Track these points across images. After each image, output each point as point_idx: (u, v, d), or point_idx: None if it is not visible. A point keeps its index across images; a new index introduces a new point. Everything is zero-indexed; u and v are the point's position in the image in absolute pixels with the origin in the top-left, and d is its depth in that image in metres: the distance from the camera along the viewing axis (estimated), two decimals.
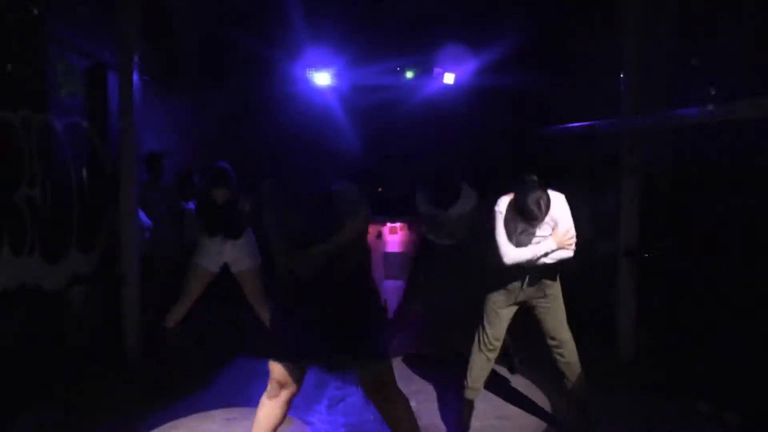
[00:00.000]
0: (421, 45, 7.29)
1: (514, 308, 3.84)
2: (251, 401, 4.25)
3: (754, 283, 4.24)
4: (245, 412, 4.15)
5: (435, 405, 4.44)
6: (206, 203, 4.90)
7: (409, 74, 7.65)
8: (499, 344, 3.86)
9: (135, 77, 5.08)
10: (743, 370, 4.25)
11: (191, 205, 6.09)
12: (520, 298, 3.75)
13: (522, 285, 3.68)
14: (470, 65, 7.38)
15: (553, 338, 3.78)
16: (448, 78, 7.53)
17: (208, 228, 4.84)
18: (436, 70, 7.53)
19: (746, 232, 4.50)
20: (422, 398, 4.55)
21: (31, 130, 4.25)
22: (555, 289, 3.77)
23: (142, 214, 5.45)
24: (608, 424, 4.00)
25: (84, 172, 5.02)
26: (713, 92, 4.87)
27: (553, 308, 3.77)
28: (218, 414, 4.22)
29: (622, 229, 5.20)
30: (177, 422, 4.06)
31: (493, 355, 3.87)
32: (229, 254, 4.81)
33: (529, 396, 4.54)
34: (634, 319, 5.18)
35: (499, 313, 3.80)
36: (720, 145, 4.75)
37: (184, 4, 7.06)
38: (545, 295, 3.74)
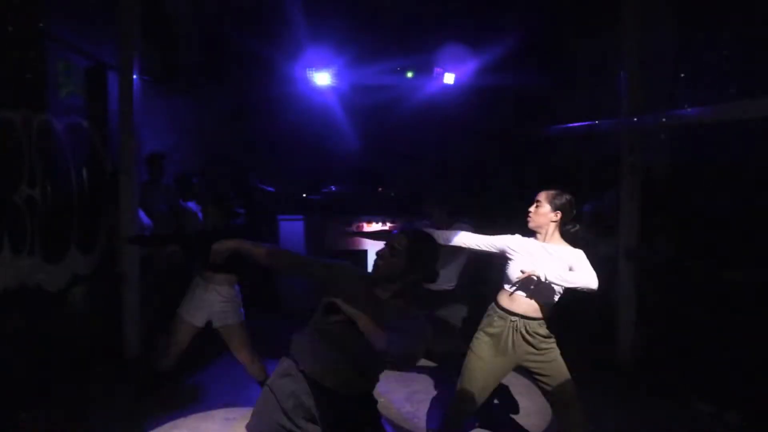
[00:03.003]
0: (421, 45, 7.30)
1: (503, 366, 3.36)
2: (251, 401, 4.24)
3: (754, 282, 4.24)
4: (245, 412, 4.15)
5: (434, 405, 4.44)
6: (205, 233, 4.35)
7: (409, 74, 7.63)
8: (473, 403, 3.35)
9: (135, 77, 5.08)
10: (743, 370, 4.25)
11: (191, 204, 6.09)
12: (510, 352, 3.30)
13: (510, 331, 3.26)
14: (470, 65, 7.39)
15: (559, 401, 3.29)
16: (448, 78, 7.53)
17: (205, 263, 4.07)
18: (436, 70, 7.53)
19: (746, 232, 4.50)
20: (422, 398, 4.55)
21: (31, 129, 4.25)
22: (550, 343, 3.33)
23: (142, 214, 5.45)
24: (609, 424, 4.00)
25: (84, 172, 5.02)
26: (713, 92, 4.87)
27: (554, 366, 3.27)
28: (218, 414, 4.22)
29: (621, 229, 5.20)
30: (177, 422, 4.06)
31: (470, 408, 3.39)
32: (215, 307, 4.24)
33: (529, 396, 4.53)
34: (634, 319, 5.18)
35: (478, 362, 3.32)
36: (719, 145, 4.76)
37: (184, 4, 7.06)
38: (539, 350, 3.28)
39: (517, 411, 4.20)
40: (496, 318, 3.33)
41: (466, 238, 3.54)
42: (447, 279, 4.78)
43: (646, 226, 5.18)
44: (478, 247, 3.49)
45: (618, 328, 5.22)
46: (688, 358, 4.72)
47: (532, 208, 3.34)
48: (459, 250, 4.75)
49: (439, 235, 3.39)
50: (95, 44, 5.21)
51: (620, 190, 5.20)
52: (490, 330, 3.32)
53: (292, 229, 7.10)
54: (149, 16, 5.49)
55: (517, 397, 4.34)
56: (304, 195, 7.52)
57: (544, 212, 3.29)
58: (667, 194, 5.41)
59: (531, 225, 3.34)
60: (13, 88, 4.08)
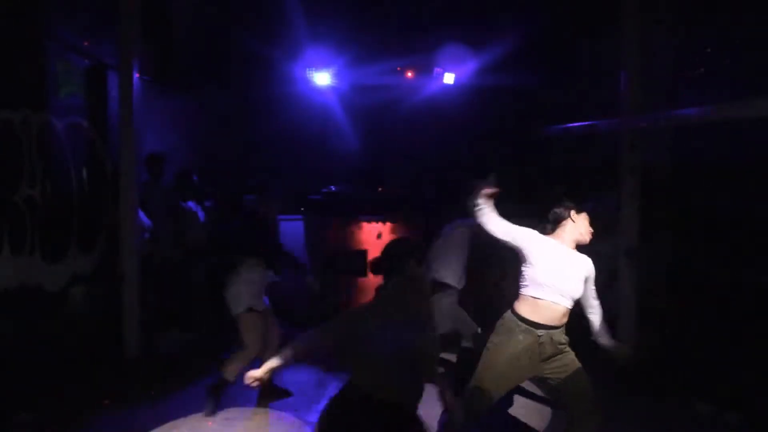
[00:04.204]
0: (421, 45, 7.30)
1: (520, 376, 3.23)
2: (251, 401, 4.25)
3: (755, 282, 4.24)
4: (245, 412, 4.15)
5: (434, 406, 4.43)
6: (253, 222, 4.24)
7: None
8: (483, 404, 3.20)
9: (135, 77, 5.08)
10: (743, 370, 4.25)
11: (190, 204, 6.10)
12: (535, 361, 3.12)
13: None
14: (470, 65, 7.39)
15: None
16: (448, 78, 7.54)
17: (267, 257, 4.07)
18: (436, 70, 7.53)
19: (746, 232, 4.50)
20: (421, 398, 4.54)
21: (31, 129, 4.25)
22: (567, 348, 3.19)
23: (142, 214, 5.45)
24: (609, 424, 3.98)
25: (84, 172, 5.02)
26: (713, 92, 4.87)
27: (569, 366, 3.14)
28: (218, 413, 4.21)
29: (621, 228, 5.19)
30: (177, 422, 4.06)
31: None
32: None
33: (530, 396, 4.54)
34: (634, 319, 5.18)
35: (493, 370, 3.15)
36: (719, 145, 4.76)
37: (184, 5, 7.06)
38: (558, 356, 3.14)
39: None
40: (520, 335, 3.08)
41: (494, 223, 3.20)
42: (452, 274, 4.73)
43: (647, 226, 5.18)
44: (496, 232, 3.17)
45: (618, 328, 5.22)
46: (688, 358, 4.72)
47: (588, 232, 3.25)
48: (460, 248, 4.73)
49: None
50: (95, 44, 5.21)
51: (620, 190, 5.20)
52: (513, 345, 3.09)
53: (292, 229, 7.10)
54: (149, 16, 5.49)
55: (517, 397, 4.35)
56: (302, 209, 7.47)
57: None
58: (667, 194, 5.41)
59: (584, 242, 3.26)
60: (13, 88, 4.09)
